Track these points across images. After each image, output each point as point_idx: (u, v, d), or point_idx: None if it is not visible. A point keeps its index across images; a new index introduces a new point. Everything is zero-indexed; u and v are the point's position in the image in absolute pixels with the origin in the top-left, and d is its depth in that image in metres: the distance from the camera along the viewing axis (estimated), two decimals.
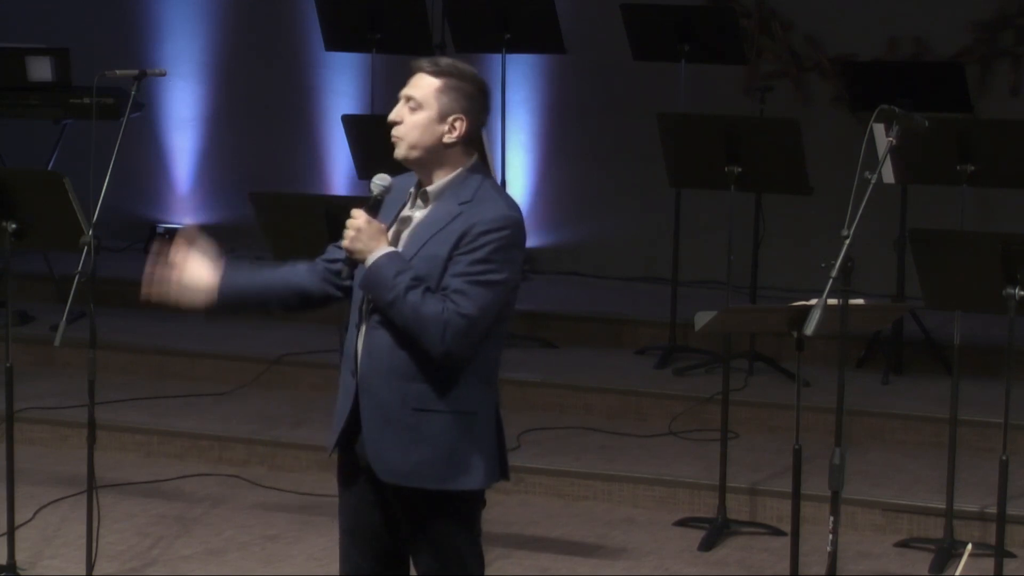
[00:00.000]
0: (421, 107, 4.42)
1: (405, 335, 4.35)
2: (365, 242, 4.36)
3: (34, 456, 7.66)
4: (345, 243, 4.38)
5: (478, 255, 4.34)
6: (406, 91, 4.44)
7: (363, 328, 4.45)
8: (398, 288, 4.31)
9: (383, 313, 4.37)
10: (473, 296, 4.32)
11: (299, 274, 4.62)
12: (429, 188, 4.46)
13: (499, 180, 8.56)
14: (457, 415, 4.43)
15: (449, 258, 4.36)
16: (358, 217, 4.38)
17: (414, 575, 4.72)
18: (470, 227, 4.36)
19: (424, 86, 4.43)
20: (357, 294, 4.48)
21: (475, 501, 4.57)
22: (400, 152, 4.44)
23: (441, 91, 4.43)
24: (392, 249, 4.38)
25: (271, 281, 4.65)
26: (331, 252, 4.61)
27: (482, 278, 4.34)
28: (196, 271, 4.61)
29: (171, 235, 4.44)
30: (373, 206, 4.44)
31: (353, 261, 4.42)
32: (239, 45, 10.63)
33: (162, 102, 10.72)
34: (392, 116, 4.43)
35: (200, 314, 4.69)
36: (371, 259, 4.36)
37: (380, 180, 4.46)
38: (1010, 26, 9.26)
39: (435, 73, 4.44)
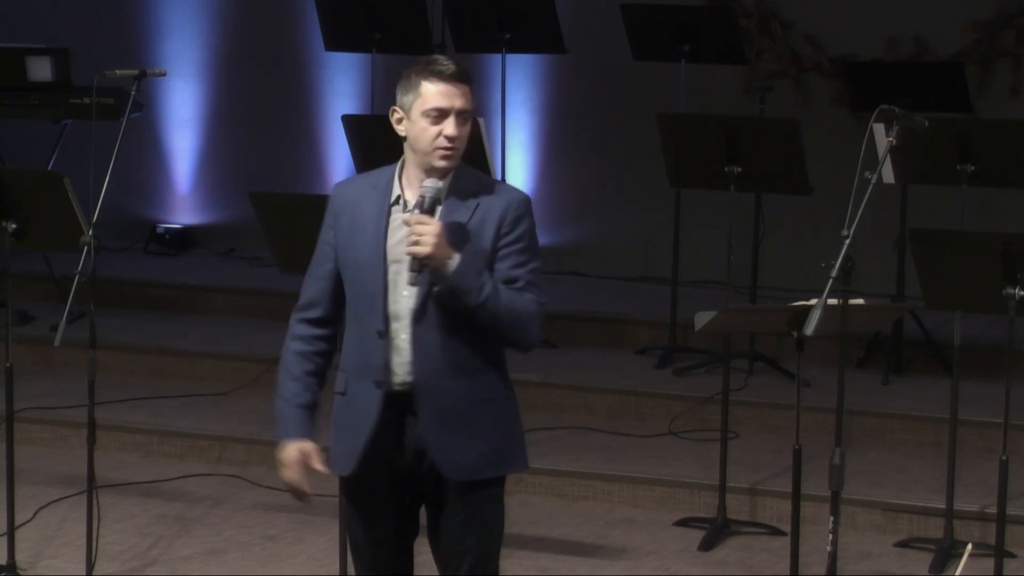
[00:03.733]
0: (470, 117, 4.43)
1: (458, 331, 4.37)
2: (445, 248, 4.30)
3: (34, 456, 7.66)
4: (425, 250, 4.27)
5: (523, 244, 4.45)
6: (459, 105, 4.37)
7: (407, 334, 4.41)
8: (487, 288, 4.34)
9: (451, 314, 4.36)
10: (539, 284, 4.45)
11: (324, 356, 4.64)
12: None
13: (499, 180, 8.54)
14: (503, 401, 4.52)
15: (495, 249, 4.41)
16: (432, 223, 4.30)
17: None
18: (504, 213, 4.43)
19: (469, 96, 4.40)
20: (377, 301, 4.41)
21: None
22: (451, 163, 4.40)
23: (474, 96, 4.44)
24: (460, 253, 4.35)
25: (319, 379, 4.65)
26: (320, 270, 4.56)
27: (534, 265, 4.46)
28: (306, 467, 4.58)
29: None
30: (432, 210, 4.36)
31: (422, 268, 4.31)
32: (239, 45, 10.63)
33: (162, 102, 10.72)
34: (453, 132, 4.35)
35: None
36: (455, 264, 4.31)
37: (434, 183, 4.37)
38: (1010, 26, 9.25)
39: (468, 80, 4.42)
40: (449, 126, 4.35)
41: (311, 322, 4.62)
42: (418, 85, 4.37)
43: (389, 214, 4.44)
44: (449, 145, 4.36)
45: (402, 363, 4.43)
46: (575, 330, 8.92)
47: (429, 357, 4.40)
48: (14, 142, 10.09)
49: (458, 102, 4.36)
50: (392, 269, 4.42)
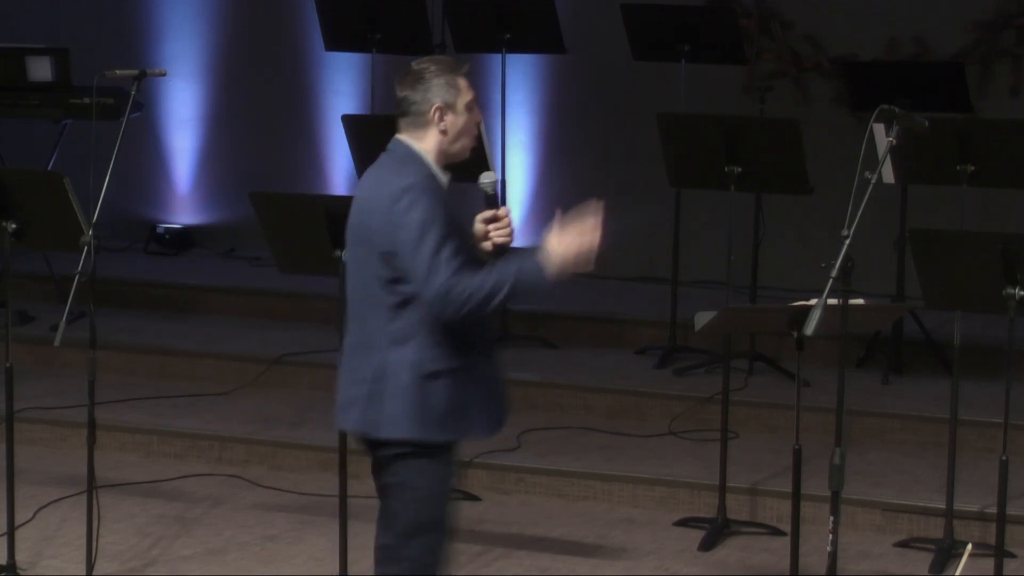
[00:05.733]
0: None
1: None
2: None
3: (34, 456, 7.66)
4: (508, 240, 4.92)
5: None
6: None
7: None
8: None
9: None
10: None
11: None
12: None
13: (499, 179, 8.54)
14: None
15: None
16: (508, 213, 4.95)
17: None
18: None
19: None
20: None
21: None
22: None
23: None
24: None
25: None
26: (456, 245, 4.70)
27: None
28: None
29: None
30: (494, 202, 4.87)
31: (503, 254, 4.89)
32: (239, 45, 10.63)
33: (162, 102, 10.72)
34: (480, 116, 4.90)
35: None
36: None
37: (491, 177, 4.88)
38: (1010, 26, 9.25)
39: None
40: (477, 112, 4.87)
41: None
42: (456, 83, 4.80)
43: None
44: (478, 129, 4.91)
45: None
46: (575, 330, 8.92)
47: None
48: (14, 142, 10.09)
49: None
50: None
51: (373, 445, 4.84)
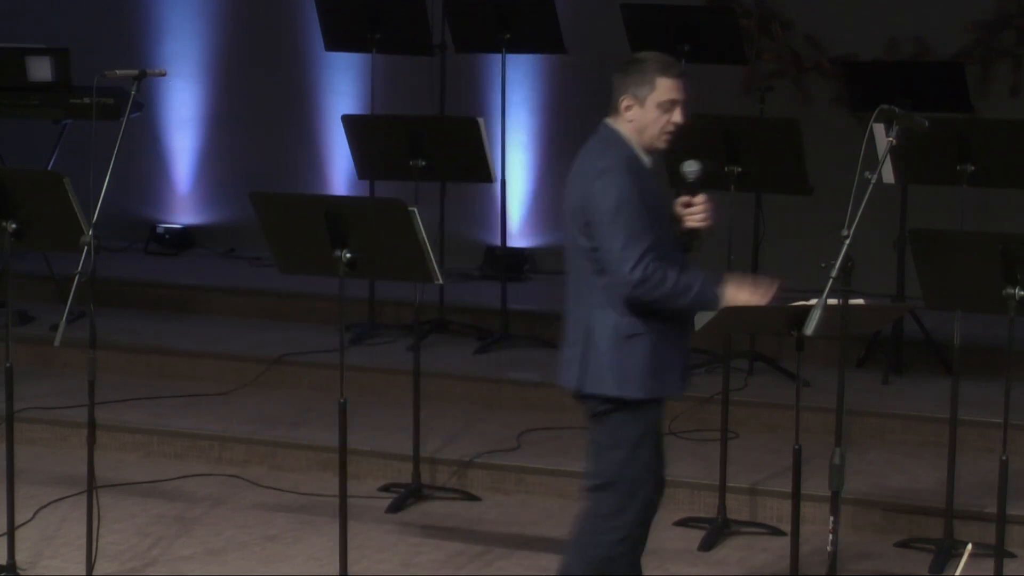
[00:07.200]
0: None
1: None
2: None
3: (34, 456, 7.66)
4: (700, 226, 5.26)
5: None
6: (684, 97, 5.28)
7: None
8: None
9: None
10: None
11: None
12: None
13: (499, 180, 8.54)
14: None
15: None
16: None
17: None
18: None
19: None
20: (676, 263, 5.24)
21: None
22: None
23: None
24: None
25: None
26: (647, 222, 5.13)
27: None
28: None
29: None
30: (693, 189, 5.28)
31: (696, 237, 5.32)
32: (239, 45, 10.63)
33: (162, 102, 10.72)
34: (682, 119, 5.27)
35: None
36: None
37: (693, 166, 5.29)
38: (1010, 26, 9.25)
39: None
40: (678, 115, 5.25)
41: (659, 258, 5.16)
42: (652, 80, 5.23)
43: None
44: (675, 130, 5.25)
45: None
46: None
47: None
48: (14, 142, 10.09)
49: (684, 95, 5.28)
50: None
51: (584, 399, 5.27)
